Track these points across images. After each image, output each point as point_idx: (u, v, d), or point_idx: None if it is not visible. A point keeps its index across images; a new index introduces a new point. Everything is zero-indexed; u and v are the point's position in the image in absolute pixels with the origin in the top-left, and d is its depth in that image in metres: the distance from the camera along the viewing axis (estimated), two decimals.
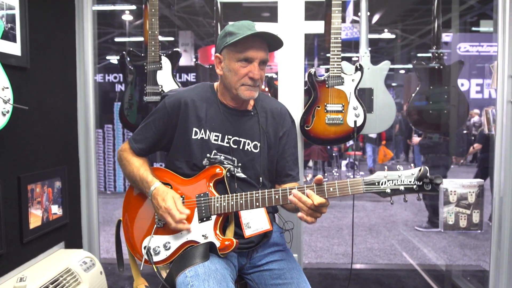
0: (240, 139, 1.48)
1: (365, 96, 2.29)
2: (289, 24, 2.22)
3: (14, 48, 1.74)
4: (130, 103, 2.42)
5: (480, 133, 4.61)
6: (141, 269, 1.45)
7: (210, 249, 1.35)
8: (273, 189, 1.32)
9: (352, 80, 2.14)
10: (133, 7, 8.71)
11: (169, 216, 1.35)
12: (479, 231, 2.38)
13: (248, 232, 1.42)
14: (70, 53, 2.21)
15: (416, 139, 5.30)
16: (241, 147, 1.48)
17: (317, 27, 2.31)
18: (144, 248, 1.40)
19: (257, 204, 1.32)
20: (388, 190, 1.22)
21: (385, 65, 2.31)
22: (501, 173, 2.24)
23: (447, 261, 3.85)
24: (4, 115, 1.54)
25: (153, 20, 2.14)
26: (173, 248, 1.39)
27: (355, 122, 2.12)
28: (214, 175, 1.42)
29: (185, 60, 9.75)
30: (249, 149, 1.48)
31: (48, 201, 1.99)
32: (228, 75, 1.43)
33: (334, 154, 7.36)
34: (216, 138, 1.46)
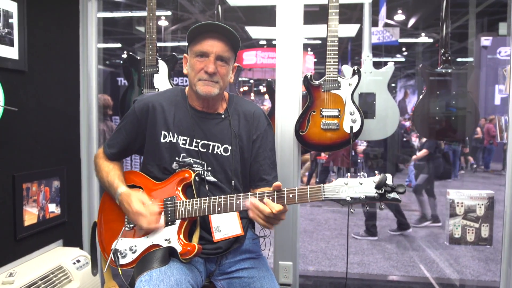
0: (209, 142, 1.46)
1: (366, 101, 2.21)
2: (288, 28, 2.19)
3: (11, 52, 1.82)
4: None
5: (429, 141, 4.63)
6: (104, 270, 1.46)
7: (172, 254, 1.34)
8: (235, 194, 1.30)
9: (349, 84, 2.07)
10: (169, 12, 8.95)
11: (140, 217, 1.34)
12: (488, 246, 2.22)
13: (217, 236, 1.40)
14: (72, 57, 2.29)
15: (360, 147, 5.25)
16: (210, 151, 1.46)
17: (317, 31, 2.26)
18: (112, 250, 1.41)
19: (219, 209, 1.30)
20: (348, 198, 1.17)
21: (388, 69, 2.22)
22: None
23: (469, 276, 3.63)
24: None
25: (150, 24, 2.17)
26: (139, 251, 1.39)
27: (351, 127, 2.05)
28: (183, 179, 1.41)
29: None
30: (219, 153, 1.46)
31: (45, 200, 2.06)
32: (189, 71, 1.44)
33: (359, 161, 7.14)
34: (184, 142, 1.45)
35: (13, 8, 1.83)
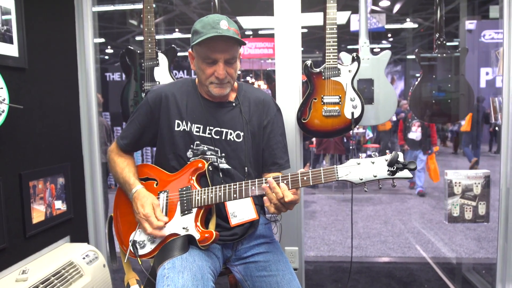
0: (222, 129, 1.49)
1: (365, 87, 2.25)
2: (285, 17, 2.21)
3: (11, 50, 1.81)
4: (135, 100, 2.47)
5: None
6: (124, 261, 1.49)
7: (191, 242, 1.38)
8: (250, 180, 1.33)
9: (349, 71, 2.11)
10: (153, 5, 8.83)
11: (146, 223, 1.39)
12: (485, 223, 2.30)
13: (234, 221, 1.44)
14: (70, 53, 2.27)
15: None
16: (223, 137, 1.49)
17: (314, 19, 2.28)
18: (130, 241, 1.44)
19: (235, 195, 1.34)
20: (362, 178, 1.21)
21: (385, 55, 2.26)
22: (507, 164, 2.16)
23: (463, 254, 3.75)
24: None
25: (148, 17, 2.17)
26: (157, 241, 1.41)
27: (352, 113, 2.09)
28: (196, 169, 1.44)
29: None
30: (232, 139, 1.49)
31: (51, 197, 2.06)
32: (199, 72, 1.46)
33: (351, 147, 7.24)
34: (198, 129, 1.48)
35: (10, 4, 1.81)
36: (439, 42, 2.29)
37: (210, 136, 1.49)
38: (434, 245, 3.98)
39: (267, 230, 1.58)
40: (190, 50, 1.48)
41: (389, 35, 11.76)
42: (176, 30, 9.95)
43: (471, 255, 3.74)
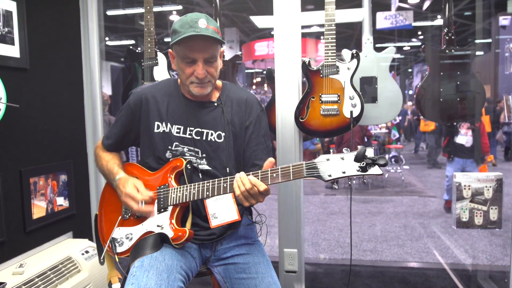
0: (203, 130, 1.48)
1: (368, 85, 2.18)
2: (285, 16, 2.17)
3: (12, 51, 1.87)
4: None
5: None
6: (101, 259, 1.50)
7: (165, 240, 1.37)
8: (222, 178, 1.31)
9: (348, 68, 2.05)
10: (180, 7, 8.98)
11: (131, 200, 1.39)
12: (497, 229, 2.17)
13: (214, 223, 1.40)
14: (75, 53, 2.33)
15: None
16: (204, 138, 1.48)
17: (314, 18, 2.24)
18: (109, 239, 1.45)
19: (207, 193, 1.32)
20: (329, 174, 1.16)
21: (389, 52, 2.18)
22: None
23: (485, 262, 3.57)
24: None
25: (148, 17, 2.19)
26: (135, 238, 1.42)
27: (351, 112, 2.03)
28: (175, 167, 1.43)
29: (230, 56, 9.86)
30: (213, 139, 1.48)
31: (53, 193, 2.12)
32: (179, 72, 1.45)
33: (373, 148, 7.02)
34: (178, 130, 1.48)
35: (12, 7, 1.87)
36: (447, 38, 2.18)
37: (190, 137, 1.48)
38: (454, 251, 3.81)
39: (249, 231, 1.55)
40: (170, 49, 1.47)
41: (419, 32, 11.42)
42: None
43: (494, 262, 3.55)
